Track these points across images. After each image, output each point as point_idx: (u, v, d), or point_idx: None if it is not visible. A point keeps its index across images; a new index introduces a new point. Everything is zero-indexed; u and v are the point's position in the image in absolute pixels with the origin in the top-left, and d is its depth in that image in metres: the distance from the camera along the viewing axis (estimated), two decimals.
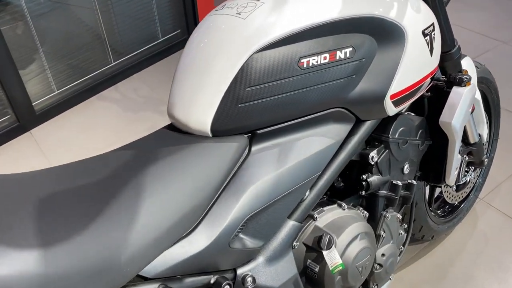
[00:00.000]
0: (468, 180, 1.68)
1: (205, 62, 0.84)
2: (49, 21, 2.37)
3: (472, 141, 1.46)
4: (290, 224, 0.92)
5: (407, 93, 0.96)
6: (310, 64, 0.84)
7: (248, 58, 0.80)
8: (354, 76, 0.89)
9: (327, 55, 0.85)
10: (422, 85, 1.00)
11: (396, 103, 0.96)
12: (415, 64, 0.95)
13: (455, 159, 1.20)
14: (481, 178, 1.77)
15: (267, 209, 0.86)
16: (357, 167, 1.06)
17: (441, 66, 1.23)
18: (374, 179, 1.04)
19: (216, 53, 0.83)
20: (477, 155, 1.51)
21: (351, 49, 0.87)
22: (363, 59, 0.89)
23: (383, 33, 0.90)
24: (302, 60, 0.83)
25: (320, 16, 0.84)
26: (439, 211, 1.68)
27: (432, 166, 1.24)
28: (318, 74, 0.85)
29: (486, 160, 1.55)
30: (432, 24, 0.99)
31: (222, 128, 0.83)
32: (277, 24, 0.82)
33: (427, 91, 1.19)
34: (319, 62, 0.85)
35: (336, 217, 1.00)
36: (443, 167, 1.22)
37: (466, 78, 1.13)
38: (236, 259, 0.84)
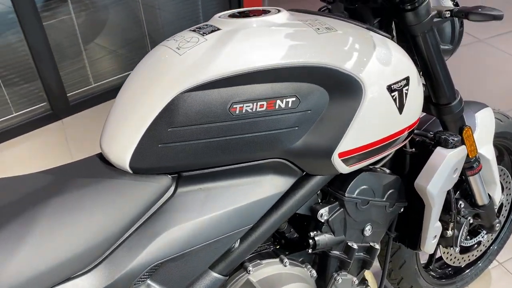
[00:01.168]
0: (477, 243, 1.50)
1: (133, 95, 0.80)
2: (91, 15, 2.46)
3: (480, 203, 1.30)
4: (212, 276, 0.86)
5: (362, 152, 0.86)
6: (244, 111, 0.77)
7: (174, 97, 0.75)
8: (297, 128, 0.81)
9: (264, 103, 0.78)
10: (386, 144, 0.89)
11: (347, 162, 0.86)
12: (374, 122, 0.85)
13: (432, 227, 1.06)
14: (497, 244, 1.57)
15: (182, 258, 0.81)
16: (309, 222, 0.97)
17: (441, 120, 1.10)
18: (323, 237, 0.94)
19: (145, 87, 0.79)
20: (486, 219, 1.35)
21: (294, 98, 0.79)
22: (309, 111, 0.81)
23: (336, 85, 0.81)
24: (234, 106, 0.77)
25: (261, 61, 0.77)
26: (439, 271, 1.52)
27: (409, 230, 1.12)
28: (252, 122, 0.78)
29: (498, 225, 1.37)
30: (406, 79, 0.88)
31: (141, 166, 0.79)
32: (211, 65, 0.76)
33: (411, 147, 1.06)
34: (253, 110, 0.78)
35: (274, 273, 0.92)
36: (420, 233, 1.09)
37: (453, 139, 1.00)
38: None
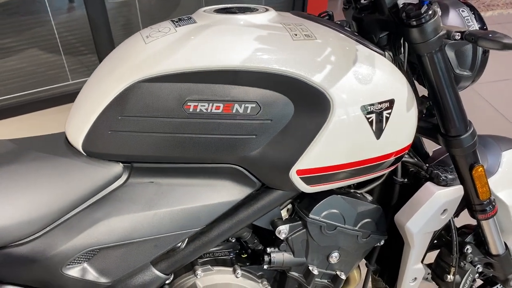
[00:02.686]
0: None
1: (96, 78, 0.80)
2: (154, 2, 2.54)
3: (493, 252, 1.16)
4: (153, 272, 0.84)
5: (325, 173, 0.79)
6: (198, 110, 0.74)
7: (128, 86, 0.74)
8: (255, 136, 0.76)
9: (220, 105, 0.74)
10: (359, 169, 0.81)
11: (308, 181, 0.80)
12: (342, 143, 0.77)
13: (410, 268, 0.95)
14: None
15: (121, 248, 0.80)
16: (272, 236, 0.92)
17: (450, 153, 0.98)
18: (279, 255, 0.89)
19: (106, 72, 0.79)
20: (499, 270, 1.20)
21: (254, 105, 0.74)
22: (270, 121, 0.75)
23: (303, 97, 0.75)
24: (189, 103, 0.74)
25: (221, 60, 0.73)
26: None
27: (389, 266, 1.02)
28: (206, 122, 0.75)
29: None
30: (389, 101, 0.79)
31: (93, 150, 0.79)
32: (170, 58, 0.73)
33: (403, 177, 0.96)
34: (208, 111, 0.74)
35: (222, 282, 0.89)
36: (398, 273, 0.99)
37: (446, 176, 0.89)
38: (70, 286, 0.80)
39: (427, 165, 0.95)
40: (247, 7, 0.85)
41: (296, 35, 0.77)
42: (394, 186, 0.96)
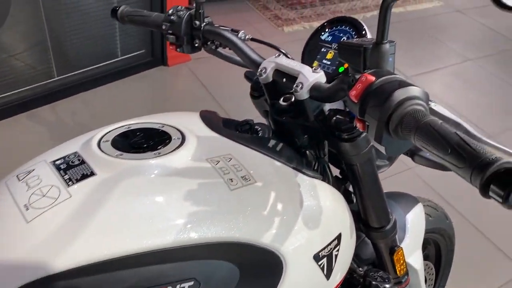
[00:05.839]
0: None
1: None
2: None
3: None
4: None
5: None
6: None
7: None
8: None
9: None
10: None
11: None
12: None
13: None
14: None
15: None
16: None
17: (373, 242, 0.95)
18: None
19: None
20: None
21: (192, 283, 0.58)
22: None
23: (250, 261, 0.61)
24: None
25: (149, 242, 0.55)
26: None
27: None
28: None
29: None
30: (337, 237, 0.71)
31: None
32: (69, 250, 0.53)
33: None
34: None
35: None
36: None
37: (385, 287, 0.85)
38: None
39: (360, 269, 0.90)
40: (151, 127, 0.67)
41: (231, 180, 0.62)
42: None
